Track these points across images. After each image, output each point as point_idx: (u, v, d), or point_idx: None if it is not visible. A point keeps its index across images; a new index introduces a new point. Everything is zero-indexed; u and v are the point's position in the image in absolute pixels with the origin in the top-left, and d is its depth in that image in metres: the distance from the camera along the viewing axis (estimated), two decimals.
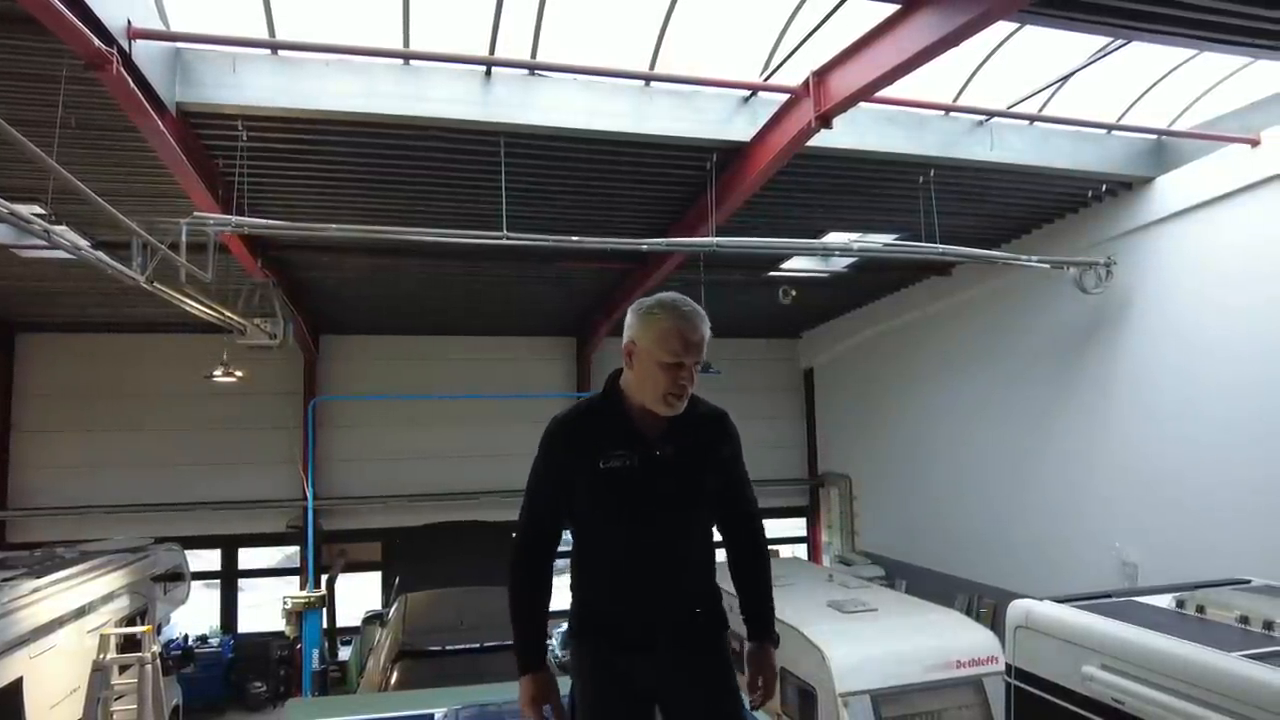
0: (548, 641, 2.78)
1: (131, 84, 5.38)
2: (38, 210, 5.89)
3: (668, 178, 8.47)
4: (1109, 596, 5.08)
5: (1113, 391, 9.56)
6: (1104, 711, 4.20)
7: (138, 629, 7.73)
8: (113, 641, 7.26)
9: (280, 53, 6.66)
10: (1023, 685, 4.77)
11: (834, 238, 10.11)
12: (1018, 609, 4.94)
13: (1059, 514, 10.05)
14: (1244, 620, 4.21)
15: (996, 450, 11.37)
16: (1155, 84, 8.04)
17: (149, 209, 7.41)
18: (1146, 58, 7.41)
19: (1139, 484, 9.08)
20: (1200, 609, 4.51)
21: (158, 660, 7.51)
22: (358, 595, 13.70)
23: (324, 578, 12.65)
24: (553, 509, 2.59)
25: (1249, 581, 5.23)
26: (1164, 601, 4.79)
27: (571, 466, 2.53)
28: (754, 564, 2.75)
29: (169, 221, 6.74)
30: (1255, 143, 7.85)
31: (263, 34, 6.39)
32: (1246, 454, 7.85)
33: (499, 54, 6.79)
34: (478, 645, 7.57)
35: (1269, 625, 4.06)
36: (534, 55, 6.86)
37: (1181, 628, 4.26)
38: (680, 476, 2.54)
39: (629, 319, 2.52)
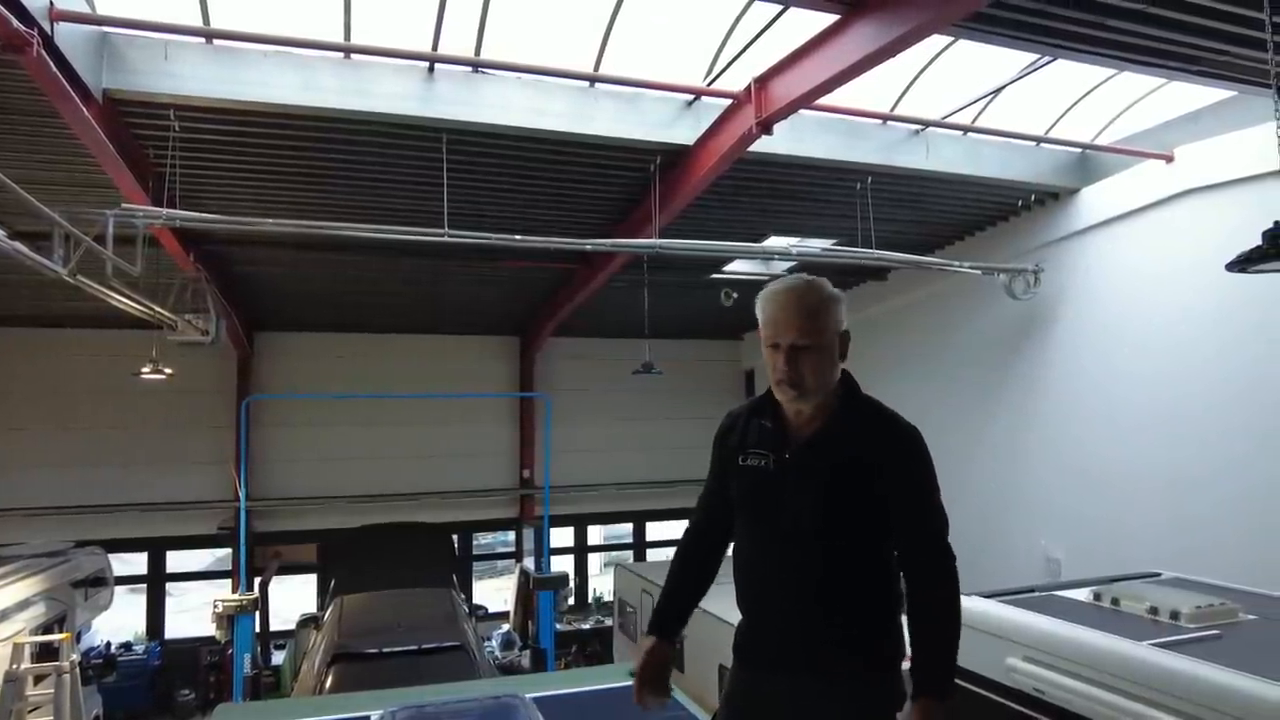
0: (679, 615, 2.68)
1: (53, 68, 5.15)
2: None
3: (611, 179, 8.49)
4: (1032, 591, 5.28)
5: (1039, 394, 9.93)
6: (1026, 702, 4.35)
7: (55, 637, 7.42)
8: (27, 650, 6.95)
9: (215, 42, 6.46)
10: None
11: (774, 241, 10.27)
12: None
13: (989, 513, 10.38)
14: (1154, 611, 4.43)
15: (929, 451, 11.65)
16: (1079, 100, 8.39)
17: (73, 199, 7.10)
18: (1072, 75, 7.73)
19: (1062, 483, 9.46)
20: (1115, 601, 4.72)
21: (76, 669, 7.21)
22: (292, 598, 13.38)
23: (257, 580, 12.30)
24: (711, 495, 2.67)
25: (1159, 575, 5.50)
26: (1082, 595, 5.00)
27: (725, 459, 2.56)
28: (917, 601, 2.34)
29: (95, 213, 6.48)
30: (1169, 159, 8.25)
31: (197, 21, 6.20)
32: (1161, 454, 8.25)
33: (442, 51, 6.72)
34: (415, 647, 7.49)
35: (1175, 615, 4.28)
36: (478, 53, 6.81)
37: (1097, 619, 4.45)
38: (812, 485, 2.34)
39: None
